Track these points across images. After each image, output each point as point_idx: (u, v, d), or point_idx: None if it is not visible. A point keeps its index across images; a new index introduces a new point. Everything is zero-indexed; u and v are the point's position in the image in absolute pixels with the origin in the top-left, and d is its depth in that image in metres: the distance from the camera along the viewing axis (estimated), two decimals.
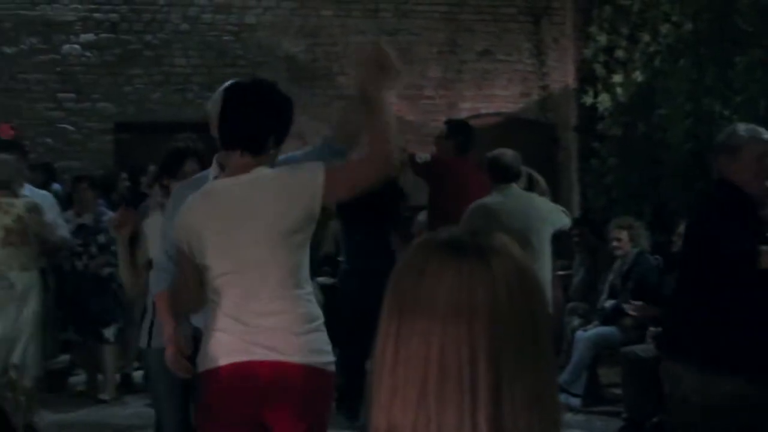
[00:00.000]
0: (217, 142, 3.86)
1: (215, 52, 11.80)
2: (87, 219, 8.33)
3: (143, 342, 4.83)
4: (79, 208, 8.43)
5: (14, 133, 9.65)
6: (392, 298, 1.48)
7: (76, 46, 11.56)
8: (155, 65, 11.70)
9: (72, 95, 11.50)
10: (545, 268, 6.47)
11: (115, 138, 11.50)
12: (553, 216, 6.75)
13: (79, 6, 11.56)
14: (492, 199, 6.61)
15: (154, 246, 4.67)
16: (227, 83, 3.92)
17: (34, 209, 7.06)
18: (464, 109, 12.09)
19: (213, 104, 4.02)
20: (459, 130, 7.90)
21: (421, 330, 1.42)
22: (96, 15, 11.61)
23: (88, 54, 11.58)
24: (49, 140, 11.23)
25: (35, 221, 7.01)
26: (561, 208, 7.20)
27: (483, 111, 12.15)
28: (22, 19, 11.41)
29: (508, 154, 6.69)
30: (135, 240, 4.94)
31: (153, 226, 4.78)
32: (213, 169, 4.16)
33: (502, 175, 6.64)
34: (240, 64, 11.76)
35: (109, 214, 7.59)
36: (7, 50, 11.38)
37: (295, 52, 11.95)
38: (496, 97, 12.34)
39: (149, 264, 4.75)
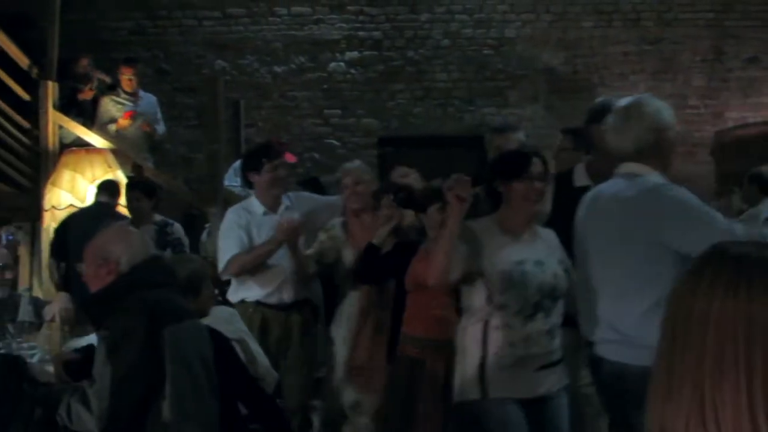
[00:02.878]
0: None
1: (475, 66, 11.92)
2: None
3: (474, 393, 4.25)
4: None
5: (296, 160, 10.01)
6: (669, 311, 1.50)
7: (341, 64, 11.94)
8: (417, 81, 11.93)
9: (337, 111, 11.88)
10: None
11: (378, 152, 11.79)
12: None
13: (344, 25, 11.94)
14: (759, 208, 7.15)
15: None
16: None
17: None
18: (730, 119, 11.73)
19: None
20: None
21: (696, 337, 1.44)
22: (360, 33, 11.96)
23: (352, 71, 11.94)
24: (316, 155, 11.63)
25: None
26: None
27: (750, 120, 11.73)
28: (291, 39, 11.89)
29: None
30: None
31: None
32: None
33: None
34: (499, 78, 11.85)
35: None
36: (277, 69, 11.89)
37: (554, 64, 11.91)
38: (764, 106, 11.90)
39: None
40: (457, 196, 4.20)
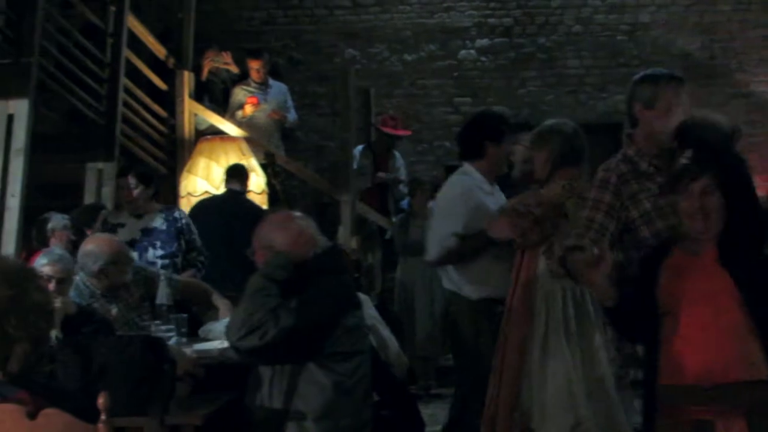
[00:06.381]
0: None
1: (608, 53, 11.73)
2: None
3: None
4: None
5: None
6: None
7: (472, 51, 11.88)
8: (548, 68, 11.80)
9: (468, 99, 11.81)
10: None
11: None
12: None
13: (475, 12, 11.88)
14: None
15: None
16: None
17: None
18: None
19: None
20: None
21: None
22: (490, 20, 11.88)
23: (483, 59, 11.87)
24: (446, 143, 11.58)
25: None
26: None
27: None
28: (421, 27, 11.88)
29: None
30: None
31: None
32: None
33: None
34: (633, 64, 11.59)
35: None
36: (408, 57, 11.89)
37: (690, 49, 11.64)
38: None
39: None
40: None
